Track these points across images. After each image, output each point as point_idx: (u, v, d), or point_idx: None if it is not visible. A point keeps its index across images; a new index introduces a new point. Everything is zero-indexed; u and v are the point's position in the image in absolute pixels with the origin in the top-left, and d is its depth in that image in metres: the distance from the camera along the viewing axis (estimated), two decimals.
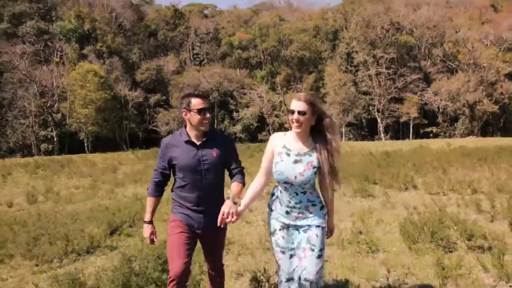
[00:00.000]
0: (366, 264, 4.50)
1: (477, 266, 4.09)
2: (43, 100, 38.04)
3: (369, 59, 42.55)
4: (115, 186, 13.26)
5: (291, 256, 2.84)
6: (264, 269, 4.01)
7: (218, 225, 2.69)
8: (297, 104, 2.70)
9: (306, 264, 2.75)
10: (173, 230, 3.04)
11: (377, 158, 15.83)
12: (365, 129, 44.89)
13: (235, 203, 2.75)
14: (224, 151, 3.10)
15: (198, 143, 3.03)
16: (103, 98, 36.35)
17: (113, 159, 25.48)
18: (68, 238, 5.83)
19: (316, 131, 2.80)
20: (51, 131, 38.56)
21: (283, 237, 2.85)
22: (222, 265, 3.26)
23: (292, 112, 2.71)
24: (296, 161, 2.75)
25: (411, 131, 42.59)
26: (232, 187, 3.03)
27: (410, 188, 9.32)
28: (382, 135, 42.48)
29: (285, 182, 2.77)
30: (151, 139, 40.67)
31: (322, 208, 2.88)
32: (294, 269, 2.83)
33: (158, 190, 3.09)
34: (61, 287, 3.89)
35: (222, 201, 2.96)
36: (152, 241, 3.07)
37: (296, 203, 2.81)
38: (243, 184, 3.09)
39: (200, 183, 3.01)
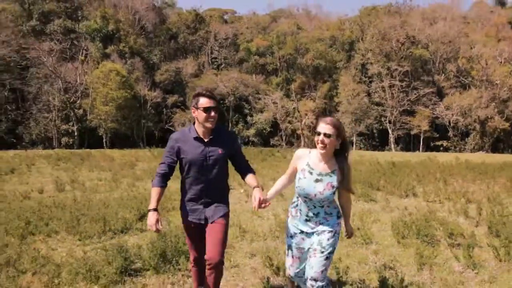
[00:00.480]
0: (360, 252, 5.32)
1: (452, 258, 4.91)
2: (67, 95, 39.31)
3: (383, 71, 42.98)
4: (135, 180, 14.18)
5: (307, 251, 3.09)
6: (274, 249, 4.86)
7: (256, 210, 2.96)
8: (324, 127, 2.86)
9: (313, 264, 2.97)
10: (184, 226, 3.38)
11: (383, 167, 16.52)
12: (376, 140, 45.30)
13: (262, 189, 3.10)
14: (229, 148, 3.31)
15: (206, 140, 3.22)
16: (123, 96, 37.43)
17: (131, 155, 26.44)
18: (105, 219, 6.80)
19: (338, 153, 3.00)
20: (73, 125, 39.82)
21: (303, 239, 3.10)
22: (222, 262, 3.19)
23: (319, 133, 2.88)
24: (317, 180, 2.94)
25: (421, 143, 42.90)
26: (250, 179, 3.31)
27: (410, 195, 9.96)
28: (393, 146, 42.86)
29: (305, 197, 3.00)
30: (166, 138, 41.47)
31: (338, 217, 3.11)
32: (304, 266, 3.13)
33: (164, 181, 3.21)
34: (107, 253, 4.82)
35: (223, 195, 3.36)
36: (157, 230, 3.04)
37: (314, 214, 3.04)
38: (255, 173, 3.40)
39: (204, 177, 3.21)
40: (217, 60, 50.78)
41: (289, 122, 45.09)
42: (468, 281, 4.23)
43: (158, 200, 3.14)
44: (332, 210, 3.06)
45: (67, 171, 17.85)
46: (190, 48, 50.42)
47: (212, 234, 3.19)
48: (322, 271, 2.95)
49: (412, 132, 42.80)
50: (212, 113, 3.12)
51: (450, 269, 4.59)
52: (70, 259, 4.90)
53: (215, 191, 3.27)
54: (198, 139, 3.20)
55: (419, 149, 41.60)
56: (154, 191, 3.15)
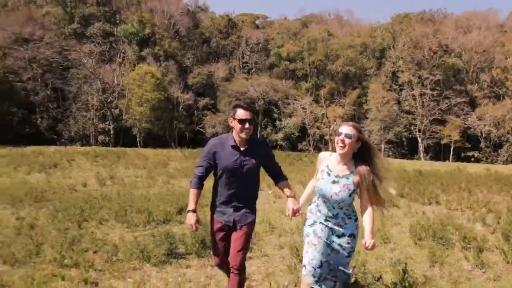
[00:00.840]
0: (378, 250, 5.86)
1: (463, 258, 5.38)
2: (104, 96, 41.10)
3: (414, 79, 42.66)
4: (169, 178, 15.03)
5: (325, 245, 3.14)
6: (301, 243, 5.45)
7: (290, 218, 3.39)
8: (345, 128, 2.99)
9: (335, 260, 3.15)
10: (211, 226, 3.52)
11: (409, 175, 16.77)
12: (405, 148, 44.91)
13: (295, 198, 3.27)
14: (263, 158, 3.46)
15: (242, 149, 3.36)
16: (157, 98, 38.78)
17: (163, 155, 27.49)
18: (149, 211, 7.60)
19: (358, 157, 3.09)
20: (109, 124, 41.58)
21: (321, 230, 3.16)
22: (243, 267, 3.35)
23: (340, 134, 3.00)
24: (334, 182, 3.04)
25: (451, 153, 42.27)
26: (284, 188, 3.48)
27: (433, 203, 10.26)
28: (422, 155, 42.41)
29: (323, 197, 3.12)
30: (196, 140, 42.87)
31: (356, 220, 3.18)
32: (325, 260, 3.13)
33: (200, 183, 3.39)
34: (155, 238, 5.56)
35: (252, 201, 3.48)
36: (196, 229, 3.29)
37: (333, 214, 3.13)
38: (287, 180, 3.56)
39: (236, 183, 3.36)
40: (248, 64, 51.66)
41: (318, 127, 45.35)
42: (474, 278, 4.70)
43: (196, 202, 3.34)
44: (351, 213, 3.15)
45: (105, 167, 18.98)
46: (222, 52, 51.52)
47: (236, 241, 3.34)
48: (347, 263, 3.17)
49: (442, 142, 42.24)
50: (247, 125, 3.27)
51: (459, 267, 5.06)
52: (122, 242, 5.66)
53: (245, 197, 3.41)
54: (235, 147, 3.35)
55: (449, 159, 41.02)
56: (192, 193, 3.35)
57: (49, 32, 41.70)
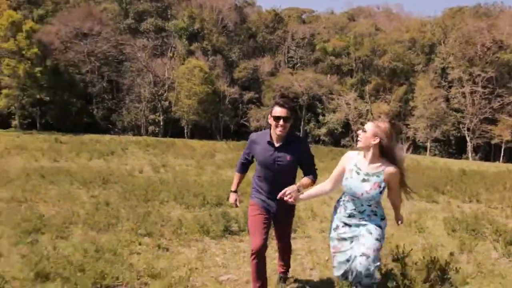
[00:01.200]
0: (412, 237, 6.38)
1: (492, 249, 5.80)
2: (155, 88, 43.12)
3: (465, 76, 41.16)
4: (217, 168, 16.00)
5: (352, 242, 3.22)
6: None
7: (277, 198, 3.31)
8: (367, 124, 3.17)
9: (364, 241, 3.10)
10: (252, 212, 3.57)
11: (453, 174, 16.75)
12: (453, 147, 43.66)
13: (298, 190, 3.31)
14: (298, 155, 3.48)
15: (276, 145, 3.44)
16: (205, 91, 40.11)
17: (209, 146, 28.70)
18: (204, 195, 8.52)
19: (386, 154, 3.12)
20: (159, 116, 43.63)
21: (345, 232, 3.25)
22: (290, 243, 3.89)
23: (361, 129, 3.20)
24: (364, 180, 3.09)
25: (502, 154, 40.63)
26: (302, 180, 3.51)
27: (474, 201, 10.37)
28: (470, 154, 41.01)
29: (352, 196, 3.16)
30: (240, 132, 43.92)
31: (382, 219, 3.24)
32: (351, 255, 3.18)
33: (244, 169, 3.78)
34: (212, 217, 6.42)
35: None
36: (236, 205, 3.82)
37: (360, 211, 3.19)
38: (313, 181, 3.53)
39: (272, 178, 3.48)
40: (293, 59, 51.97)
41: (362, 123, 44.93)
42: (500, 265, 5.14)
43: (238, 184, 3.80)
44: (378, 211, 3.21)
45: (156, 156, 20.35)
46: (267, 47, 52.14)
47: (280, 228, 3.74)
48: (374, 250, 3.06)
49: (493, 142, 40.60)
50: (281, 122, 3.32)
51: (487, 255, 5.50)
52: (184, 219, 6.56)
53: (280, 191, 3.43)
54: (270, 143, 3.46)
55: (499, 160, 39.49)
56: (236, 176, 3.82)
57: (106, 27, 44.21)
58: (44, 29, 40.23)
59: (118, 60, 44.22)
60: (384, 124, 3.07)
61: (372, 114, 43.13)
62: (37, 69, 36.89)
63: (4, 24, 35.92)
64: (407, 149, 3.48)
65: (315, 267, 4.81)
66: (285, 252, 3.91)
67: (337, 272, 3.35)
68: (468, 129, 41.45)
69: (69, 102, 41.12)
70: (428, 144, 41.75)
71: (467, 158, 39.74)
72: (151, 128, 43.22)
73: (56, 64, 40.69)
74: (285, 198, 3.22)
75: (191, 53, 45.43)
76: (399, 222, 3.49)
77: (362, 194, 3.06)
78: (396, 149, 3.11)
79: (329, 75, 48.20)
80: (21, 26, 36.88)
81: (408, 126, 43.26)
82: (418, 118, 41.44)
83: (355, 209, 3.18)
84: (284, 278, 4.04)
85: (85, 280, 3.66)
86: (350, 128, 44.88)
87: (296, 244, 5.68)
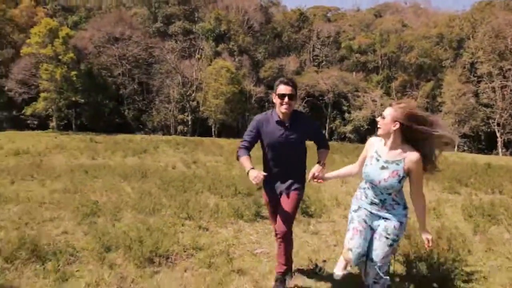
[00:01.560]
0: (429, 222, 6.85)
1: (505, 232, 6.22)
2: (184, 89, 44.45)
3: (495, 70, 40.32)
4: None
5: (370, 230, 3.09)
6: None
7: (308, 181, 3.27)
8: (386, 109, 2.96)
9: (376, 247, 3.01)
10: (264, 198, 3.77)
11: (478, 168, 16.83)
12: (483, 143, 42.88)
13: (323, 166, 3.34)
14: (308, 131, 3.50)
15: (287, 124, 3.41)
16: (232, 91, 41.05)
17: (236, 144, 29.21)
18: (235, 186, 9.21)
19: (410, 141, 2.89)
20: (187, 115, 44.95)
21: (366, 215, 3.09)
22: (289, 235, 3.45)
23: (381, 115, 2.98)
24: (383, 167, 2.91)
25: None
26: (319, 153, 3.55)
27: (497, 192, 10.57)
28: (501, 150, 40.21)
29: (371, 183, 3.02)
30: None
31: (405, 208, 3.03)
32: (366, 249, 3.07)
33: (246, 152, 3.47)
34: (244, 204, 7.09)
35: (299, 174, 3.54)
36: (264, 177, 3.17)
37: (380, 200, 3.01)
38: (328, 150, 3.60)
39: (283, 158, 3.44)
40: (318, 57, 52.18)
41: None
42: (510, 244, 5.59)
43: (251, 162, 3.37)
44: (400, 200, 3.02)
45: (186, 154, 21.26)
46: (293, 46, 52.58)
47: (283, 208, 3.43)
48: (383, 257, 2.99)
49: None
50: (286, 99, 3.31)
51: (499, 237, 5.95)
52: (219, 205, 7.26)
53: (292, 170, 3.49)
54: (279, 122, 3.42)
55: None
56: (244, 159, 3.42)
57: (136, 31, 45.89)
58: (78, 35, 42.25)
59: (148, 62, 45.81)
60: (403, 106, 2.85)
61: None
62: (73, 73, 38.73)
63: (42, 31, 37.88)
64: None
65: (338, 244, 5.41)
66: (285, 245, 3.49)
67: (352, 257, 3.06)
68: (498, 124, 40.58)
69: (102, 104, 42.96)
70: (457, 140, 41.13)
71: (497, 154, 38.97)
72: (180, 127, 44.59)
73: (90, 68, 42.60)
74: (314, 181, 3.28)
75: (218, 54, 46.46)
76: (427, 240, 3.02)
77: (379, 182, 2.91)
78: (424, 130, 2.80)
79: (354, 73, 48.19)
80: (58, 33, 38.80)
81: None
82: (446, 114, 40.88)
83: (375, 197, 3.02)
84: (280, 279, 3.63)
85: (143, 249, 4.40)
86: (376, 125, 44.59)
87: (321, 226, 6.29)
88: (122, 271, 4.09)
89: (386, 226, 2.98)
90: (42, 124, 41.77)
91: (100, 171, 12.29)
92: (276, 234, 3.41)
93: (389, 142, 2.91)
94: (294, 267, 4.10)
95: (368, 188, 3.07)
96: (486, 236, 5.90)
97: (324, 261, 4.64)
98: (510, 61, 39.71)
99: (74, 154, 20.29)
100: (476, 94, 42.29)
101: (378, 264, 2.99)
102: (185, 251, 4.80)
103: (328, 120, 46.38)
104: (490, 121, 41.27)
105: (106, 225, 5.66)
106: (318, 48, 52.21)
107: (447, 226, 6.34)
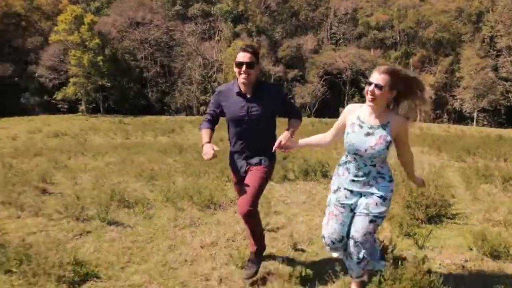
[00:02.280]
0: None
1: (494, 188, 7.36)
2: (205, 71, 45.88)
3: None
4: None
5: (350, 212, 2.85)
6: None
7: (273, 150, 2.95)
8: (376, 77, 2.61)
9: (356, 223, 2.77)
10: (232, 176, 3.49)
11: (490, 139, 17.65)
12: (503, 117, 43.00)
13: (291, 135, 3.00)
14: (274, 103, 3.14)
15: (248, 96, 3.08)
16: None
17: None
18: None
19: (395, 104, 2.72)
20: (209, 96, 46.33)
21: (345, 197, 2.84)
22: (252, 212, 3.00)
23: (370, 84, 2.62)
24: (368, 134, 2.67)
25: None
26: (289, 122, 3.18)
27: (501, 160, 11.24)
28: None
29: (355, 154, 2.73)
30: None
31: (390, 181, 2.80)
32: (344, 234, 2.86)
33: (209, 126, 3.21)
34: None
35: (267, 150, 3.10)
36: (214, 155, 2.93)
37: (364, 173, 2.75)
38: (300, 120, 3.26)
39: (247, 132, 3.13)
40: (336, 35, 52.47)
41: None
42: (494, 195, 6.76)
43: (210, 137, 3.15)
44: (384, 171, 2.80)
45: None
46: (310, 24, 52.91)
47: (247, 181, 3.10)
48: (364, 234, 2.73)
49: None
50: (244, 68, 2.97)
51: (488, 190, 7.10)
52: None
53: (258, 146, 3.17)
54: (240, 94, 3.11)
55: None
56: (204, 132, 3.17)
57: (156, 15, 47.13)
58: (101, 21, 43.72)
59: (169, 45, 47.18)
60: (390, 69, 2.67)
61: None
62: (99, 58, 40.46)
63: (68, 18, 39.51)
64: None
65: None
66: (250, 225, 3.19)
67: (329, 250, 3.02)
68: None
69: (127, 87, 44.78)
70: (475, 114, 41.43)
71: None
72: (202, 108, 46.11)
73: (114, 53, 44.26)
74: (282, 150, 2.97)
75: (236, 35, 47.39)
76: (418, 183, 3.04)
77: (366, 150, 2.66)
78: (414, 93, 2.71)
79: (372, 50, 48.42)
80: (83, 19, 40.38)
81: (455, 97, 43.00)
82: (464, 88, 41.11)
83: (358, 170, 2.76)
84: (252, 259, 3.32)
85: (202, 198, 5.82)
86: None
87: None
88: (189, 213, 5.52)
89: (368, 203, 2.74)
90: (72, 107, 43.92)
91: (139, 148, 13.84)
92: (240, 213, 3.02)
93: (378, 108, 2.67)
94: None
95: (350, 162, 2.81)
96: (476, 191, 7.08)
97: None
98: None
99: (109, 134, 22.03)
100: (495, 68, 42.19)
101: (359, 240, 2.75)
102: (231, 202, 6.19)
103: (346, 97, 47.09)
104: (510, 95, 41.28)
105: (167, 184, 7.11)
106: (335, 26, 52.43)
107: (442, 183, 7.54)
